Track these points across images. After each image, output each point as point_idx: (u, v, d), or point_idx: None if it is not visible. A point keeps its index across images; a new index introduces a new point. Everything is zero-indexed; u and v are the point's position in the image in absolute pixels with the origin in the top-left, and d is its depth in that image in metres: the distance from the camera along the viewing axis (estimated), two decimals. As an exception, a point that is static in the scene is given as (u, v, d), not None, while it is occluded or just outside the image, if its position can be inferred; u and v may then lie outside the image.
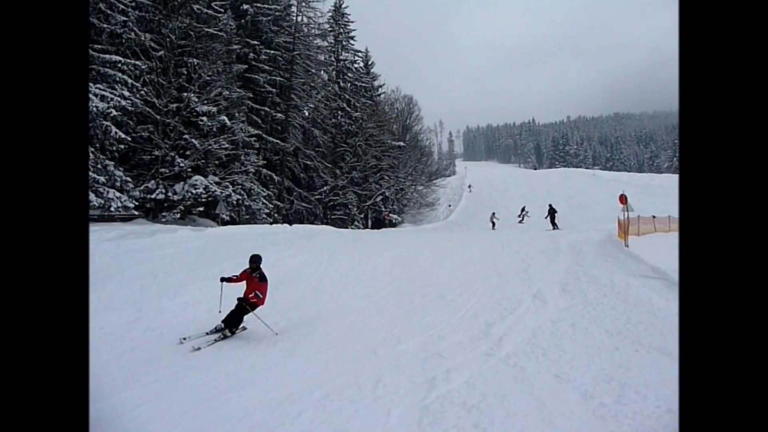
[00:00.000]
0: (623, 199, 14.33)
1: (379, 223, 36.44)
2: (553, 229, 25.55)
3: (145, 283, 8.92)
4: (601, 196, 40.87)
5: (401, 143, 40.66)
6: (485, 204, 44.89)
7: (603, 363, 5.39)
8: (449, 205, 46.14)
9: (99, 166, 16.39)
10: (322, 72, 36.85)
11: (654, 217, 18.08)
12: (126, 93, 17.80)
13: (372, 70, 42.28)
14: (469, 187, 52.02)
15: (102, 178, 16.23)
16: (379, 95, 43.00)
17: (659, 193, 41.80)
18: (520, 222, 31.38)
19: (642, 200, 29.59)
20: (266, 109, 28.43)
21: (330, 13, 37.80)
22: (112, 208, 16.52)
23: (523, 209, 32.49)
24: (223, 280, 7.33)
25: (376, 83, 42.44)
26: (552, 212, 27.76)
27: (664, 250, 12.14)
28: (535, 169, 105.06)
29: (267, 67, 28.66)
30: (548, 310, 7.76)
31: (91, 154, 15.99)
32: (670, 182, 49.95)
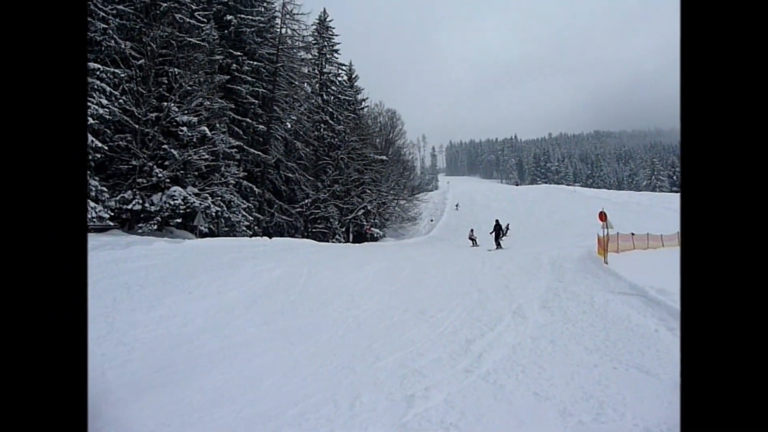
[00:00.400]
0: (603, 216, 14.56)
1: (360, 237, 36.38)
2: (497, 248, 24.15)
3: (118, 295, 8.72)
4: (582, 213, 41.55)
5: (384, 157, 40.81)
6: (467, 219, 45.23)
7: (582, 380, 5.41)
8: (431, 220, 46.38)
9: (74, 175, 16.08)
10: (305, 84, 36.97)
11: (633, 234, 18.40)
12: (104, 101, 17.60)
13: (356, 84, 42.52)
14: (457, 206, 52.03)
15: (76, 188, 15.92)
16: (362, 109, 43.20)
17: (638, 210, 42.59)
18: (473, 245, 28.71)
19: (621, 217, 30.14)
20: (248, 120, 28.35)
21: (314, 26, 38.05)
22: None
23: (496, 226, 30.47)
24: None
25: (359, 97, 42.67)
26: (497, 228, 26.30)
27: (643, 268, 12.34)
28: (517, 185, 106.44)
29: (250, 79, 28.65)
30: (528, 327, 7.79)
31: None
32: (649, 200, 50.99)
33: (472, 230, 31.19)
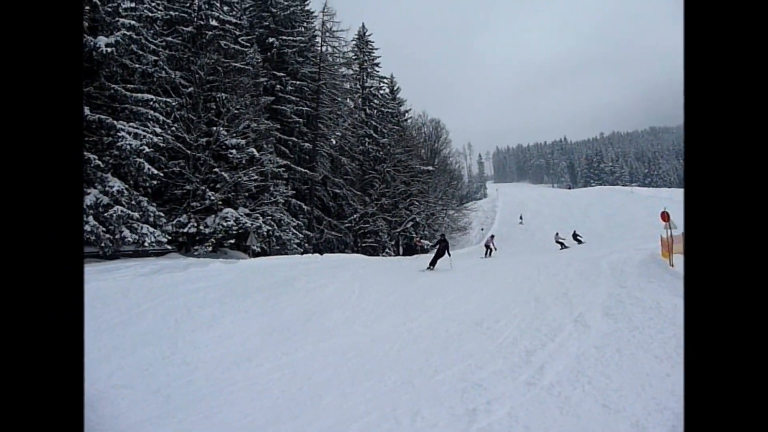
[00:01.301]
0: (665, 216, 13.95)
1: (410, 250, 36.36)
2: (486, 255, 25.30)
3: (179, 317, 9.08)
4: (641, 214, 39.98)
5: (430, 167, 40.83)
6: (519, 226, 44.41)
7: (654, 391, 5.18)
8: (482, 229, 45.83)
9: (133, 202, 16.97)
10: (348, 100, 37.59)
11: (699, 233, 17.50)
12: (158, 130, 18.52)
13: (398, 96, 42.89)
14: (521, 218, 48.28)
15: (136, 214, 16.78)
16: (405, 120, 43.48)
17: (703, 208, 40.48)
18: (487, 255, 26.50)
19: (685, 217, 28.70)
20: (294, 139, 29.08)
21: (354, 42, 38.77)
22: (146, 243, 17.02)
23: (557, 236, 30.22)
24: None
25: (402, 108, 42.98)
26: (442, 245, 21.05)
27: (712, 269, 11.69)
28: (569, 188, 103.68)
29: (293, 98, 29.43)
30: (591, 336, 7.53)
31: (125, 191, 16.59)
32: (715, 197, 48.14)
33: (492, 236, 30.00)
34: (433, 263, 17.23)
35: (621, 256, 15.90)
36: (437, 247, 17.98)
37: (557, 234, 30.26)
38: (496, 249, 27.23)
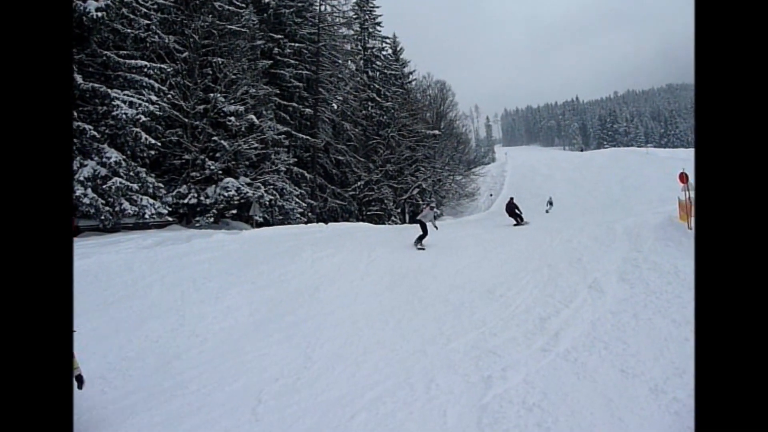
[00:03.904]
0: (684, 177, 13.86)
1: (417, 217, 36.40)
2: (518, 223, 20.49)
3: (186, 289, 9.23)
4: (657, 176, 39.73)
5: (436, 132, 40.45)
6: (529, 191, 44.29)
7: (672, 356, 5.26)
8: (490, 195, 45.76)
9: (131, 173, 16.98)
10: (349, 62, 37.00)
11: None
12: (153, 97, 18.36)
13: (401, 57, 42.20)
14: (550, 203, 44.54)
15: (135, 185, 16.82)
16: (410, 82, 42.88)
17: (722, 169, 40.11)
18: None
19: (703, 178, 28.48)
20: (294, 104, 28.81)
21: (354, 0, 37.90)
22: (146, 216, 17.11)
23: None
24: None
25: (406, 70, 42.33)
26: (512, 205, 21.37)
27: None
28: (582, 150, 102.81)
29: (292, 61, 29.03)
30: (607, 301, 7.61)
31: (122, 162, 16.59)
32: (734, 157, 47.67)
33: (511, 198, 24.13)
34: (420, 239, 14.29)
35: (636, 220, 15.90)
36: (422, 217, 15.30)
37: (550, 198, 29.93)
38: (521, 212, 22.09)
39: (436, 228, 15.00)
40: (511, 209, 21.87)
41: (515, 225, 20.69)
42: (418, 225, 15.06)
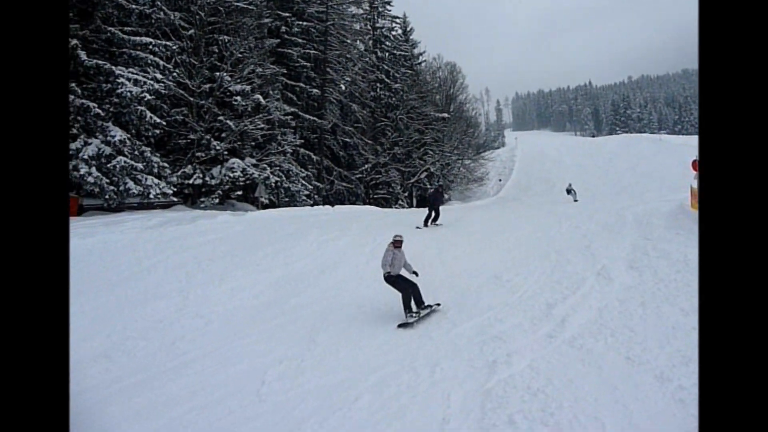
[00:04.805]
0: (697, 165, 13.74)
1: (424, 202, 36.37)
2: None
3: (190, 270, 9.30)
4: (669, 163, 39.35)
5: (445, 115, 40.14)
6: (539, 176, 44.08)
7: (679, 344, 5.27)
8: (499, 180, 45.54)
9: (136, 152, 17.04)
10: (358, 42, 36.63)
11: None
12: (158, 75, 18.35)
13: (411, 37, 41.72)
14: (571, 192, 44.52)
15: (140, 165, 16.88)
16: (419, 64, 42.47)
17: (737, 157, 39.70)
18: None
19: (717, 166, 28.16)
20: (301, 84, 28.66)
21: (364, -22, 37.43)
22: (151, 195, 17.20)
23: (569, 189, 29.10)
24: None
25: (415, 51, 41.89)
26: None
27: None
28: (593, 136, 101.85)
29: (300, 40, 28.82)
30: (614, 289, 7.61)
31: (127, 141, 16.63)
32: (750, 144, 47.08)
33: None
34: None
35: (647, 207, 15.81)
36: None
37: (570, 185, 29.49)
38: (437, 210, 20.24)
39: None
40: (435, 199, 16.60)
41: (420, 227, 15.51)
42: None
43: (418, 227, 14.76)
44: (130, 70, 17.43)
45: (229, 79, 21.36)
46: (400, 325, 6.75)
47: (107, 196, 16.08)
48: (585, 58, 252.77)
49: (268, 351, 6.14)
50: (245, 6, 23.21)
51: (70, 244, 1.93)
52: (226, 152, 21.10)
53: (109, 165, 16.05)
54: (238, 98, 21.35)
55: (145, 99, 17.31)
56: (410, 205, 35.00)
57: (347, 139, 32.74)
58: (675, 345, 5.27)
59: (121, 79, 16.76)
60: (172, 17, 20.13)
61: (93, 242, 10.25)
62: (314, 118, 28.98)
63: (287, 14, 28.33)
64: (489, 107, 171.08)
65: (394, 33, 39.63)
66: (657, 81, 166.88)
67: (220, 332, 6.85)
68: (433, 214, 15.55)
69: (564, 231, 12.84)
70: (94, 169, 15.69)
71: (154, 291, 8.12)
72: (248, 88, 21.70)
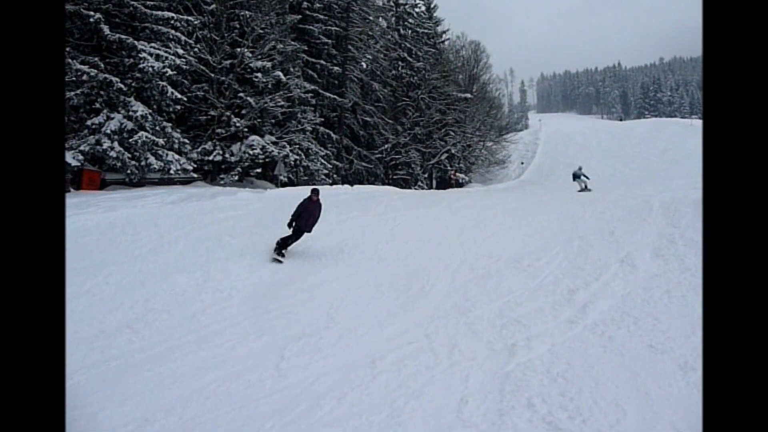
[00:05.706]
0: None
1: (444, 183, 36.27)
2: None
3: (210, 245, 9.44)
4: (700, 150, 38.56)
5: (468, 95, 39.76)
6: (562, 161, 43.55)
7: (705, 333, 5.22)
8: (522, 163, 45.14)
9: (157, 128, 17.22)
10: (380, 19, 36.30)
11: None
12: (180, 51, 18.42)
13: (435, 14, 41.22)
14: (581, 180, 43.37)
15: (161, 140, 17.07)
16: (442, 42, 42.00)
17: (771, 144, 38.78)
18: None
19: (750, 153, 27.50)
20: (322, 62, 28.57)
21: (388, -48, 36.93)
22: (171, 171, 17.42)
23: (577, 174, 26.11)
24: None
25: (439, 29, 41.44)
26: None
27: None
28: (621, 120, 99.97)
29: (322, 17, 28.65)
30: (639, 276, 7.55)
31: (149, 116, 16.81)
32: (785, 131, 45.88)
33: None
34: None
35: (675, 195, 15.55)
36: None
37: (580, 169, 26.83)
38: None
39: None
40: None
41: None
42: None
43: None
44: (152, 44, 17.53)
45: (250, 55, 21.38)
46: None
47: (129, 171, 16.33)
48: (615, 38, 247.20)
49: (286, 327, 6.25)
50: (267, -20, 23.11)
51: (65, 238, 1.98)
52: (246, 129, 21.21)
53: (131, 140, 16.25)
54: (259, 75, 21.38)
55: (167, 74, 17.42)
56: (429, 187, 34.93)
57: (367, 118, 32.66)
58: (700, 335, 5.22)
59: (143, 54, 16.88)
60: (193, -9, 20.15)
61: (116, 216, 10.44)
62: (335, 97, 28.92)
63: (309, -11, 28.16)
64: (513, 88, 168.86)
65: (417, 10, 39.19)
66: (690, 63, 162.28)
67: (239, 307, 6.97)
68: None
69: (587, 216, 12.71)
70: (116, 144, 15.91)
71: (176, 265, 8.27)
72: (269, 64, 21.71)
